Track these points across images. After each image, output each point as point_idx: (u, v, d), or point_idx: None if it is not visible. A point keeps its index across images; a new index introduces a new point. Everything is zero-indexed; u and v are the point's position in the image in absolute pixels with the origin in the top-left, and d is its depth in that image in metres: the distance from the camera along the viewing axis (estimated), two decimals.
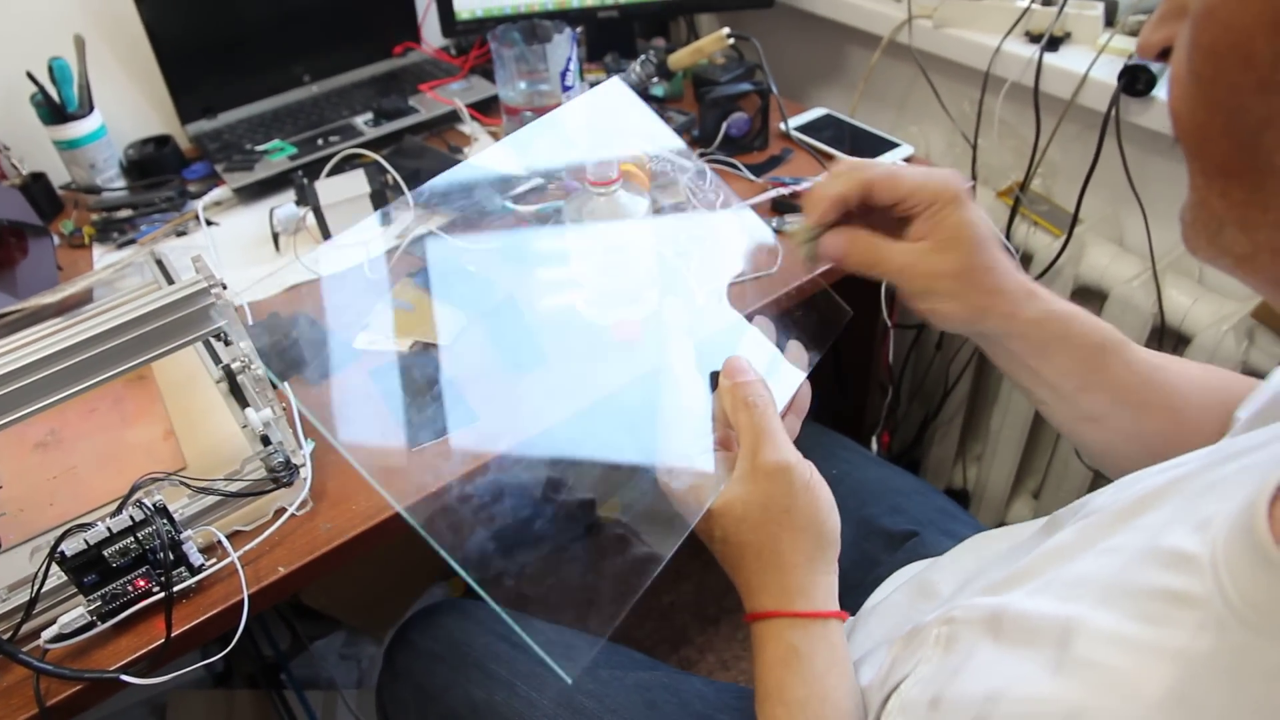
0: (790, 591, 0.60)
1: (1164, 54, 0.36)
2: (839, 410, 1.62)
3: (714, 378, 0.69)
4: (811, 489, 0.61)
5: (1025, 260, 1.31)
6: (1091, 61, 1.14)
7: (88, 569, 0.69)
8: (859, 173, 0.64)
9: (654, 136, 0.87)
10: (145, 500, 0.70)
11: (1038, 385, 0.69)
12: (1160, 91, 1.07)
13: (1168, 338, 1.21)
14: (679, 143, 0.87)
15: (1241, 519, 0.38)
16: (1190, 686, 0.36)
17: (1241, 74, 0.31)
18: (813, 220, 0.66)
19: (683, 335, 0.70)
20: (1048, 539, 0.53)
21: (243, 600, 0.74)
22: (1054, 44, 1.20)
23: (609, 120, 0.89)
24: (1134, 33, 1.16)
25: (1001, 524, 1.60)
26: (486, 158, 1.02)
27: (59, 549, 0.67)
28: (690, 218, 0.98)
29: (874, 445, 1.30)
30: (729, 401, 0.64)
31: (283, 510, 0.80)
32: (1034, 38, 1.21)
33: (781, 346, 0.74)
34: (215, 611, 0.74)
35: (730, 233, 0.95)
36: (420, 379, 0.94)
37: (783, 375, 0.73)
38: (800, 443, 1.05)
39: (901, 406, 1.66)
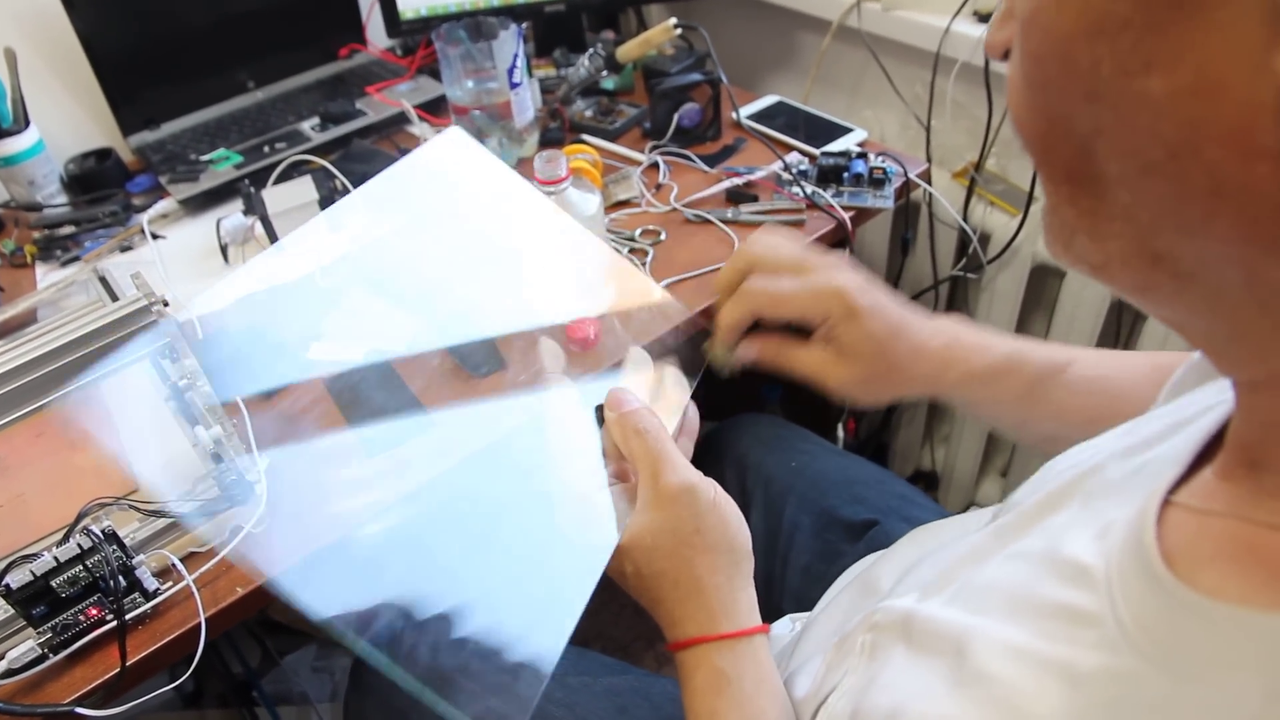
0: (714, 614, 0.59)
1: (1009, 53, 0.35)
2: (804, 400, 1.62)
3: (599, 412, 0.68)
4: (718, 507, 0.60)
5: (983, 240, 1.31)
6: None
7: (36, 600, 0.67)
8: (746, 301, 0.68)
9: (502, 192, 0.82)
10: (93, 527, 0.68)
11: (985, 422, 0.70)
12: None
13: (1126, 313, 1.22)
14: (532, 193, 0.82)
15: (1133, 530, 0.37)
16: (1078, 712, 0.35)
17: (1067, 82, 0.30)
18: (722, 345, 0.71)
19: (563, 375, 0.69)
20: (974, 536, 0.53)
21: (200, 624, 0.72)
22: None
23: (454, 175, 0.84)
24: None
25: (971, 504, 1.62)
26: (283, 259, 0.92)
27: (3, 582, 0.65)
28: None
29: (840, 433, 1.30)
30: (619, 432, 0.63)
31: (239, 529, 0.78)
32: (982, 17, 1.21)
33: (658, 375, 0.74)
34: (172, 637, 0.72)
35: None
36: (376, 387, 0.92)
37: (667, 401, 0.72)
38: (759, 435, 1.05)
39: None
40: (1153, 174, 0.28)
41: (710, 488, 0.60)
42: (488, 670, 0.60)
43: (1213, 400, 0.43)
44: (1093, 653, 0.36)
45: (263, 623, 1.51)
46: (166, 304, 0.73)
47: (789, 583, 0.92)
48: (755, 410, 1.15)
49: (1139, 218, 0.30)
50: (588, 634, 1.65)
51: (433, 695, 0.61)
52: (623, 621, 1.66)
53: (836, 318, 0.65)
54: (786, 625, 0.80)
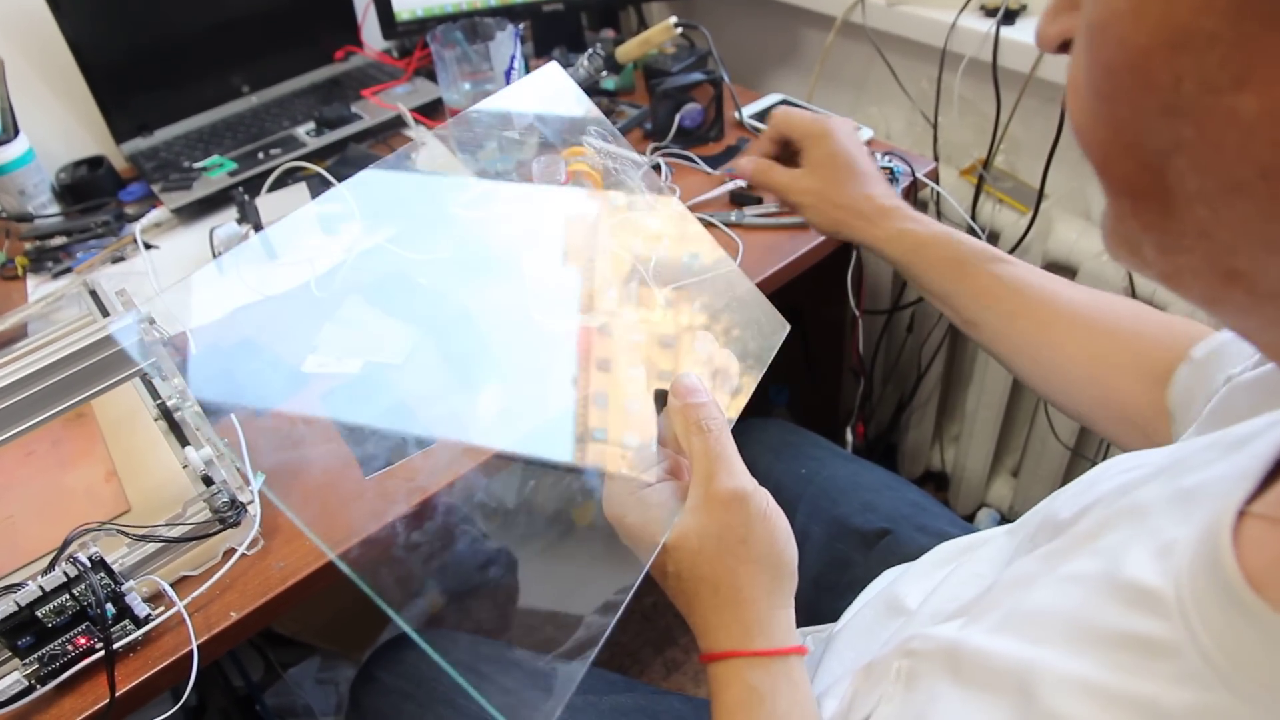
0: (749, 629, 0.56)
1: (1064, 46, 0.33)
2: (813, 403, 1.60)
3: (660, 396, 0.65)
4: (769, 519, 0.58)
5: (992, 238, 1.29)
6: None
7: (21, 631, 0.65)
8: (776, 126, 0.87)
9: (595, 127, 0.83)
10: (80, 554, 0.66)
11: (923, 293, 0.81)
12: None
13: None
14: (619, 136, 0.83)
15: (1205, 550, 0.34)
16: None
17: (1143, 96, 0.28)
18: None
19: (627, 350, 0.65)
20: (1010, 561, 0.51)
21: (192, 650, 0.70)
22: (1010, 17, 1.17)
23: (548, 109, 0.86)
24: None
25: (982, 504, 1.59)
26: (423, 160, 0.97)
27: None
28: (643, 216, 0.94)
29: (849, 436, 1.27)
30: (680, 425, 0.61)
31: (232, 551, 0.76)
32: (990, 11, 1.19)
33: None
34: (164, 664, 0.70)
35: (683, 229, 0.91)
36: (373, 402, 0.90)
37: (725, 387, 0.69)
38: (768, 442, 1.03)
39: (875, 393, 1.64)
40: (1239, 193, 0.27)
41: (763, 498, 0.58)
42: (522, 665, 0.58)
43: (1268, 422, 0.41)
44: (1176, 686, 0.33)
45: (265, 635, 1.49)
46: (153, 321, 0.70)
47: (800, 594, 0.90)
48: (763, 414, 1.13)
49: (1217, 235, 0.29)
50: None
51: (466, 684, 0.59)
52: (630, 627, 1.64)
53: (816, 136, 0.83)
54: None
